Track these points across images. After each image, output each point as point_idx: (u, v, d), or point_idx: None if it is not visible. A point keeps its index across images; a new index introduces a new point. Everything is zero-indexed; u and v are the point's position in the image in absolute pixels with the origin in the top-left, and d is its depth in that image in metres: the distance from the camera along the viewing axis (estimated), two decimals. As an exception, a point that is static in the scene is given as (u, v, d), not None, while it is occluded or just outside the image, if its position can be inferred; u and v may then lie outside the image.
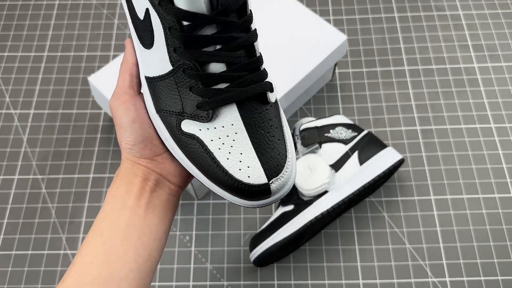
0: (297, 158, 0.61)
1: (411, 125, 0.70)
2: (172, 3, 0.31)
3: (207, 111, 0.32)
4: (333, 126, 0.63)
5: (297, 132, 0.64)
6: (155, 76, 0.34)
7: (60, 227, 0.64)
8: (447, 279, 0.59)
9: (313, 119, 0.65)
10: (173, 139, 0.34)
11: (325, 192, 0.59)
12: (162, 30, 0.32)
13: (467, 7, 0.81)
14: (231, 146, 0.32)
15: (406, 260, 0.60)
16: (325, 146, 0.62)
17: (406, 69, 0.75)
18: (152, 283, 0.60)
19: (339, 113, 0.71)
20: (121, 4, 0.83)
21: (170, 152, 0.36)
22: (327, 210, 0.58)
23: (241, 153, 0.32)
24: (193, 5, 0.30)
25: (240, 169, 0.32)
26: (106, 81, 0.64)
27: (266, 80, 0.34)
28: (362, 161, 0.61)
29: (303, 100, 0.72)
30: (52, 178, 0.67)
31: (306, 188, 0.58)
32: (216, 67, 0.32)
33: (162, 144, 0.36)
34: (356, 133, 0.63)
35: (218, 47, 0.32)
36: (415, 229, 0.62)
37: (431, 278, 0.59)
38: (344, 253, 0.61)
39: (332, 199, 0.58)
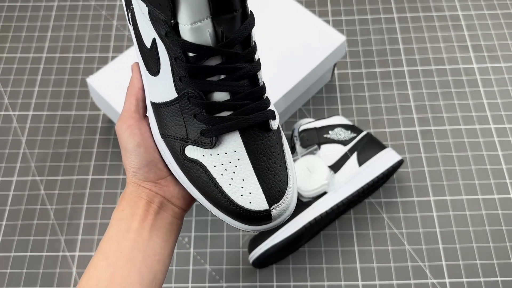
0: (296, 160, 0.61)
1: (411, 126, 0.70)
2: (179, 35, 0.31)
3: (211, 138, 0.33)
4: (332, 127, 0.63)
5: (296, 133, 0.64)
6: (160, 102, 0.35)
7: (58, 229, 0.63)
8: (447, 280, 0.59)
9: (312, 120, 0.65)
10: (177, 164, 0.35)
11: (324, 193, 0.59)
12: (168, 59, 0.33)
13: (466, 7, 0.81)
14: (234, 172, 0.33)
15: (406, 261, 0.60)
16: (324, 147, 0.62)
17: (405, 69, 0.75)
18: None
19: (338, 114, 0.71)
20: (120, 5, 0.83)
21: (174, 175, 0.36)
22: (326, 212, 0.57)
23: (243, 179, 0.33)
24: (198, 37, 0.31)
25: (242, 195, 0.32)
26: (104, 83, 0.64)
27: (269, 108, 0.34)
28: (361, 162, 0.60)
29: (302, 101, 0.72)
30: (51, 180, 0.67)
31: (305, 189, 0.58)
32: (220, 96, 0.33)
33: (166, 168, 0.36)
34: (355, 134, 0.63)
35: (222, 76, 0.33)
36: (415, 230, 0.62)
37: (431, 279, 0.59)
38: (344, 255, 0.61)
39: (331, 200, 0.58)
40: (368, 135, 0.63)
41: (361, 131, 0.64)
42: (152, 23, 0.32)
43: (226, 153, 0.33)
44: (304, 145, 0.62)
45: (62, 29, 0.81)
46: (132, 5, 0.35)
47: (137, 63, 0.38)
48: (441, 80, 0.74)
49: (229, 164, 0.33)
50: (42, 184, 0.67)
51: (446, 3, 0.82)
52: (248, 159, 0.33)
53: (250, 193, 0.32)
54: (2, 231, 0.63)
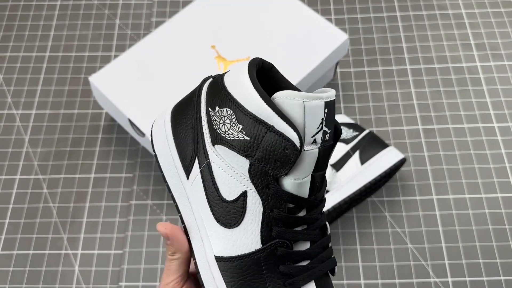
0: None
1: (413, 125, 0.70)
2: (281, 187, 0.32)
3: None
4: (334, 125, 0.63)
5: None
6: (234, 255, 0.34)
7: (61, 227, 0.64)
8: (449, 279, 0.59)
9: (314, 118, 0.64)
10: None
11: (326, 191, 0.59)
12: (260, 211, 0.33)
13: (469, 5, 0.81)
14: None
15: (408, 260, 0.60)
16: (326, 145, 0.61)
17: (408, 68, 0.75)
18: (154, 283, 0.60)
19: (341, 113, 0.71)
20: (122, 4, 0.83)
21: None
22: (328, 210, 0.57)
23: None
24: (300, 190, 0.33)
25: None
26: (107, 81, 0.64)
27: (333, 255, 0.36)
28: (363, 160, 0.60)
29: (305, 100, 0.72)
30: (54, 178, 0.67)
31: (307, 187, 0.58)
32: (302, 245, 0.34)
33: None
34: (357, 133, 0.63)
35: (305, 226, 0.34)
36: (417, 229, 0.62)
37: (433, 278, 0.59)
38: (346, 253, 0.61)
39: (333, 199, 0.58)
40: (371, 133, 0.63)
41: (363, 130, 0.63)
42: (252, 176, 0.32)
43: None
44: (306, 144, 0.62)
45: (65, 28, 0.81)
46: (208, 159, 0.34)
47: (179, 228, 0.37)
48: (444, 79, 0.74)
49: None
50: (45, 183, 0.67)
51: (449, 1, 0.82)
52: None
53: None
54: (5, 229, 0.64)
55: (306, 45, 0.66)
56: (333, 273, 0.35)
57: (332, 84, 0.74)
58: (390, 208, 0.64)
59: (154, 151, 0.38)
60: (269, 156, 0.31)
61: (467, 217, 0.63)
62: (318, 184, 0.34)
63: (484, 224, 0.62)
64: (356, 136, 0.62)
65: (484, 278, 0.59)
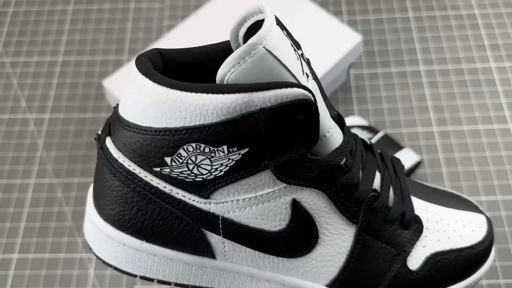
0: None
1: (428, 126, 0.69)
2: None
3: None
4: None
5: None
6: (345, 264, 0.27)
7: (76, 231, 0.64)
8: (467, 282, 0.58)
9: (328, 121, 0.64)
10: None
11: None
12: (328, 201, 0.26)
13: (483, 6, 0.80)
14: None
15: (424, 263, 0.60)
16: (341, 148, 0.61)
17: (421, 69, 0.75)
18: (168, 286, 0.60)
19: (353, 114, 0.71)
20: (134, 8, 0.83)
21: None
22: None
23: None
24: (335, 141, 0.27)
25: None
26: (120, 85, 0.65)
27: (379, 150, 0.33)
28: (378, 163, 0.60)
29: (318, 102, 0.71)
30: (68, 183, 0.67)
31: (322, 190, 0.58)
32: (369, 180, 0.29)
33: None
34: (371, 135, 0.63)
35: (351, 159, 0.29)
36: (433, 231, 0.62)
37: (450, 281, 0.58)
38: (361, 256, 0.60)
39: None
40: (386, 135, 0.63)
41: (377, 132, 0.63)
42: (286, 179, 0.24)
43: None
44: (320, 146, 0.62)
45: (77, 33, 0.81)
46: (218, 222, 0.25)
47: None
48: (458, 80, 0.73)
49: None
50: (60, 187, 0.67)
51: (462, 2, 0.81)
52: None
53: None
54: (21, 233, 0.64)
55: (319, 47, 0.66)
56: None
57: (344, 87, 0.73)
58: (405, 210, 0.63)
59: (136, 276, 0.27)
60: (284, 143, 0.23)
61: (484, 219, 0.62)
62: (341, 119, 0.27)
63: (500, 226, 0.61)
64: (370, 139, 0.62)
65: (501, 281, 0.58)
